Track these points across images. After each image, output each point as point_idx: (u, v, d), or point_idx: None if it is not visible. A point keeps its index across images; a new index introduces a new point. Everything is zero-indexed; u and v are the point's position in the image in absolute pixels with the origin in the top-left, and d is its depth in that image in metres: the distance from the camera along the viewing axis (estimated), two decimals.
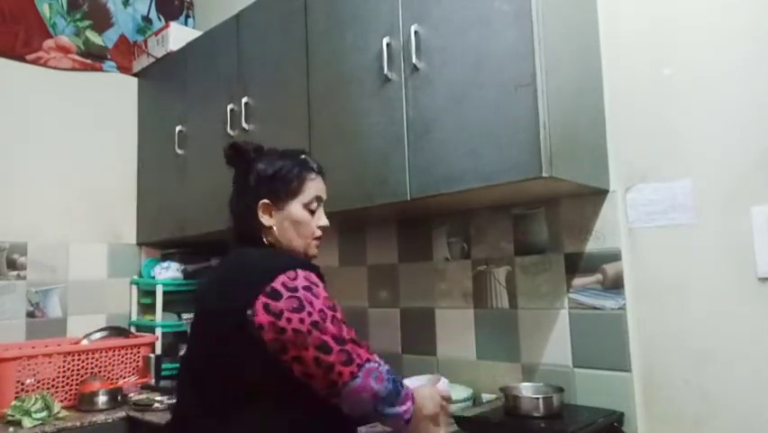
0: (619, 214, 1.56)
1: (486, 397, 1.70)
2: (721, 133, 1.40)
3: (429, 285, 1.97)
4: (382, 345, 2.10)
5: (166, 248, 2.76)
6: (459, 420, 1.47)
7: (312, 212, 1.25)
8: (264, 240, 1.20)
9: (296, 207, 1.22)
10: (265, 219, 1.20)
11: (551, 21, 1.38)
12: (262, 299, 1.03)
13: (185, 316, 2.60)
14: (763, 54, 1.35)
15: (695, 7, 1.47)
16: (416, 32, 1.57)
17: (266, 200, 1.20)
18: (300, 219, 1.22)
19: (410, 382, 1.51)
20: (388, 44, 1.63)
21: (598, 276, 1.57)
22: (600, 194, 1.58)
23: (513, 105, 1.36)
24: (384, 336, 2.09)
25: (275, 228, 1.20)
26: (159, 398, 2.01)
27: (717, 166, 1.40)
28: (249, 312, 1.02)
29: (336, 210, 1.78)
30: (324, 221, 1.30)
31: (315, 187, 1.26)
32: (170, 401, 1.96)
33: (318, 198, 1.27)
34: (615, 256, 1.55)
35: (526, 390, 1.55)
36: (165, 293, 2.56)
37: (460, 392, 1.67)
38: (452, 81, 1.49)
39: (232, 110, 2.20)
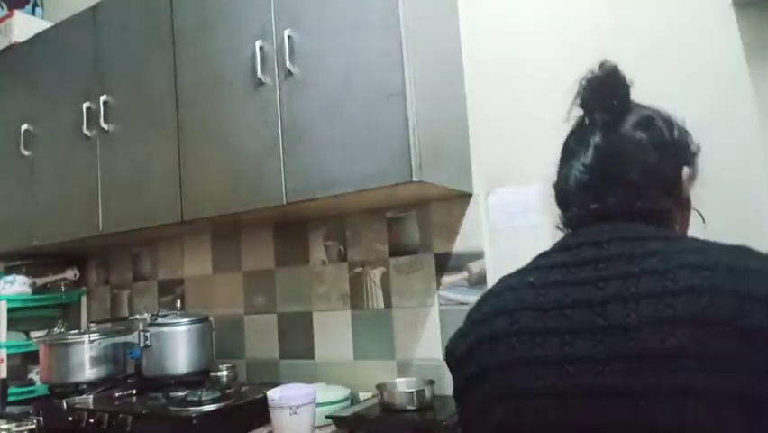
0: (482, 215, 1.69)
1: (363, 396, 1.75)
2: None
3: (306, 289, 1.98)
4: (259, 352, 2.07)
5: (10, 260, 2.48)
6: (336, 420, 1.50)
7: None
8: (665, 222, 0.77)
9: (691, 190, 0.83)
10: (686, 194, 0.81)
11: (418, 32, 1.47)
12: None
13: (34, 334, 2.35)
14: None
15: (546, 28, 1.64)
16: (289, 37, 1.57)
17: (688, 169, 0.81)
18: (690, 207, 0.84)
19: (287, 390, 1.51)
20: (261, 47, 1.62)
21: (465, 273, 1.69)
22: (465, 197, 1.70)
23: (384, 113, 1.42)
24: (261, 343, 2.06)
25: (679, 211, 0.80)
26: (5, 426, 1.80)
27: None
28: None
29: (210, 215, 1.74)
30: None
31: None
32: (18, 430, 1.76)
33: None
34: (479, 255, 1.67)
35: (400, 385, 1.62)
36: (10, 310, 2.30)
37: (338, 393, 1.70)
38: (326, 87, 1.52)
39: (88, 108, 2.04)
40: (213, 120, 1.73)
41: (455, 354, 0.78)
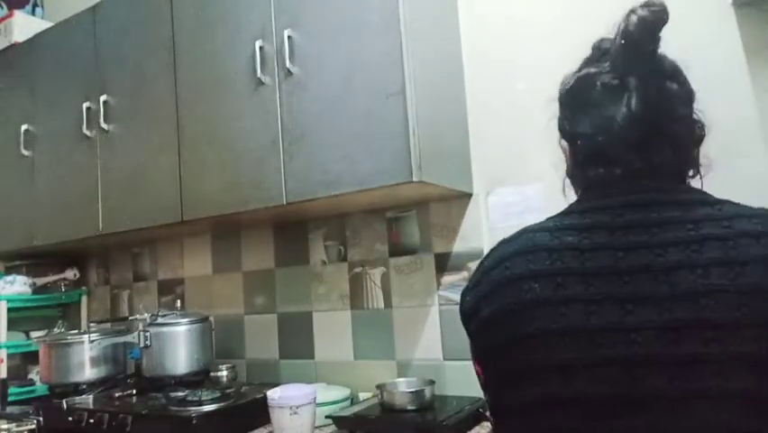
0: (482, 215, 1.68)
1: (363, 396, 1.75)
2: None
3: (306, 289, 1.98)
4: (259, 352, 2.07)
5: (10, 260, 2.48)
6: (336, 420, 1.50)
7: None
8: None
9: None
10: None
11: (418, 32, 1.47)
12: None
13: (34, 334, 2.35)
14: None
15: (546, 28, 1.64)
16: (289, 37, 1.57)
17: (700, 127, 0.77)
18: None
19: (287, 390, 1.51)
20: (261, 47, 1.62)
21: (465, 273, 1.68)
22: (465, 197, 1.70)
23: (384, 113, 1.42)
24: (261, 343, 2.06)
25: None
26: (5, 426, 1.80)
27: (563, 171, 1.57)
28: None
29: (210, 215, 1.74)
30: None
31: None
32: (18, 430, 1.76)
33: None
34: (479, 255, 1.67)
35: (400, 385, 1.62)
36: (10, 310, 2.30)
37: (338, 393, 1.70)
38: (326, 87, 1.52)
39: (88, 108, 2.04)
40: (213, 120, 1.73)
41: (479, 315, 0.71)
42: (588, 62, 0.77)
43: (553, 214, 0.74)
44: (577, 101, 0.75)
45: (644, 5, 0.70)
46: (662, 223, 0.64)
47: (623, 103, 0.69)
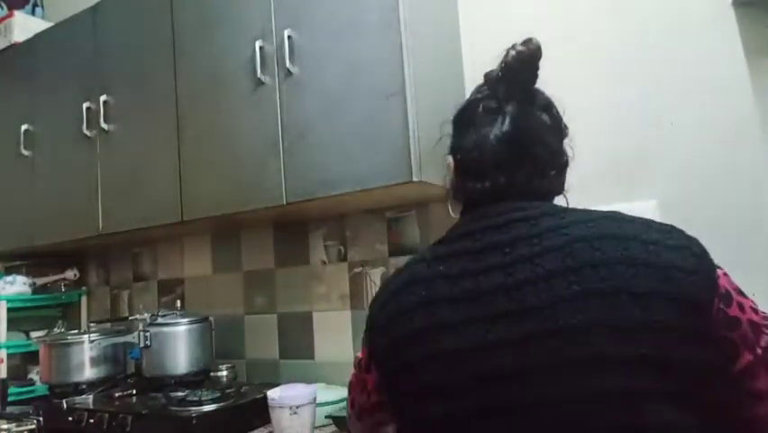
0: None
1: None
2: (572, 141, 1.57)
3: (307, 289, 1.98)
4: (259, 352, 2.07)
5: (10, 260, 2.48)
6: (336, 420, 1.50)
7: None
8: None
9: None
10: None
11: (418, 32, 1.46)
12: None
13: (34, 334, 2.35)
14: (616, 68, 1.53)
15: (546, 28, 1.63)
16: (289, 37, 1.57)
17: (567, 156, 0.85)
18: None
19: (287, 390, 1.51)
20: (261, 47, 1.62)
21: None
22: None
23: (384, 113, 1.42)
24: (261, 343, 2.06)
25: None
26: (5, 426, 1.80)
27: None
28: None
29: (210, 215, 1.74)
30: None
31: None
32: (18, 430, 1.76)
33: None
34: None
35: None
36: (10, 310, 2.30)
37: (338, 393, 1.70)
38: (326, 87, 1.52)
39: (88, 108, 2.04)
40: (213, 120, 1.73)
41: (380, 344, 0.79)
42: (477, 89, 0.86)
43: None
44: (463, 121, 0.84)
45: (522, 43, 0.78)
46: (513, 242, 0.70)
47: (497, 124, 0.78)
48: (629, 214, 0.70)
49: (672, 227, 0.69)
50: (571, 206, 0.77)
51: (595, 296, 0.62)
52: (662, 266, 0.63)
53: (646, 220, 0.69)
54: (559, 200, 0.82)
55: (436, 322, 0.70)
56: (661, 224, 0.69)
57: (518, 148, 0.77)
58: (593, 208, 0.72)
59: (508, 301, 0.66)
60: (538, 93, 0.83)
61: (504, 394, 0.64)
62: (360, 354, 0.88)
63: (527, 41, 0.78)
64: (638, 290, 0.62)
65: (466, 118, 0.83)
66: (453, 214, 0.84)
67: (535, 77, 0.80)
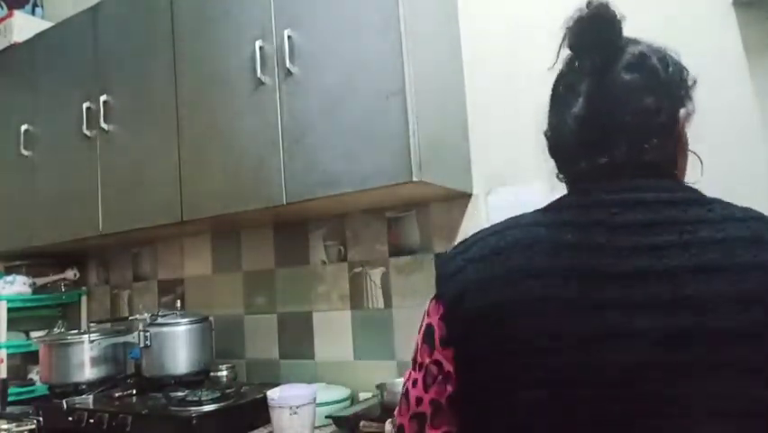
0: (482, 215, 1.68)
1: (363, 396, 1.75)
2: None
3: (306, 289, 1.98)
4: (259, 352, 2.07)
5: (10, 260, 2.48)
6: (336, 420, 1.50)
7: None
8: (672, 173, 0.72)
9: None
10: (685, 138, 0.74)
11: (418, 32, 1.47)
12: None
13: (34, 334, 2.35)
14: None
15: (546, 28, 1.64)
16: (289, 37, 1.57)
17: (686, 108, 0.73)
18: (687, 150, 0.77)
19: (287, 390, 1.51)
20: (261, 47, 1.62)
21: None
22: (465, 197, 1.70)
23: (384, 113, 1.42)
24: (261, 343, 2.06)
25: (680, 156, 0.74)
26: (5, 426, 1.80)
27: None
28: None
29: (210, 215, 1.74)
30: None
31: None
32: (18, 430, 1.76)
33: None
34: None
35: (400, 385, 1.62)
36: (10, 310, 2.30)
37: (338, 393, 1.70)
38: (326, 87, 1.52)
39: (88, 108, 2.04)
40: (213, 120, 1.73)
41: (467, 307, 0.66)
42: (566, 60, 0.76)
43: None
44: (551, 100, 0.77)
45: (587, 4, 0.70)
46: (659, 223, 0.62)
47: (575, 103, 0.70)
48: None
49: None
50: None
51: (761, 301, 0.56)
52: None
53: None
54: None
55: (565, 295, 0.60)
56: None
57: (599, 126, 0.68)
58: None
59: (659, 288, 0.58)
60: (627, 47, 0.72)
61: (643, 390, 0.57)
62: (430, 321, 0.73)
63: (589, 2, 0.69)
64: None
65: (552, 98, 0.76)
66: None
67: (609, 38, 0.70)
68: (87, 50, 2.09)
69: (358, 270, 1.88)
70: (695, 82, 0.75)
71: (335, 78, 1.50)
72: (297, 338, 1.99)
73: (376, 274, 1.85)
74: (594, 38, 0.70)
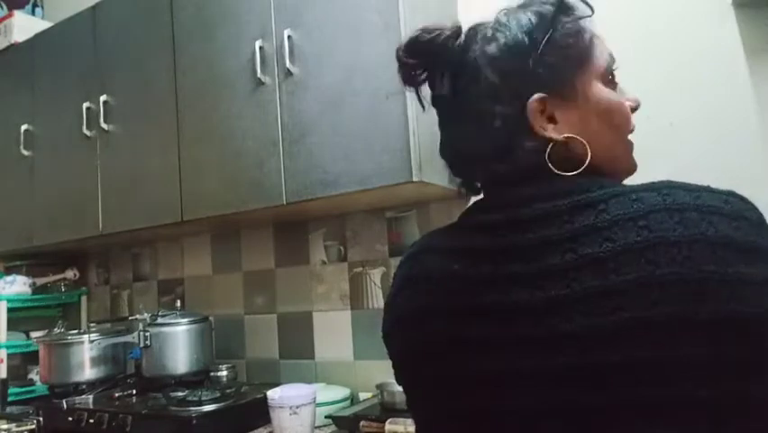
0: None
1: (363, 396, 1.75)
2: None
3: (306, 289, 1.98)
4: (259, 352, 2.07)
5: (10, 260, 2.48)
6: (336, 420, 1.50)
7: (614, 85, 0.66)
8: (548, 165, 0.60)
9: (595, 86, 0.63)
10: (547, 129, 0.60)
11: None
12: None
13: (34, 334, 2.35)
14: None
15: None
16: (289, 37, 1.57)
17: (540, 95, 0.60)
18: (609, 103, 0.63)
19: (287, 390, 1.51)
20: (260, 47, 1.62)
21: None
22: (465, 197, 1.69)
23: (384, 113, 1.42)
24: (261, 343, 2.06)
25: (574, 135, 0.60)
26: (5, 426, 1.80)
27: None
28: None
29: (210, 215, 1.74)
30: (634, 96, 0.69)
31: (601, 43, 0.67)
32: (18, 430, 1.76)
33: (612, 60, 0.67)
34: None
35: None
36: (10, 310, 2.30)
37: (338, 393, 1.70)
38: (326, 87, 1.52)
39: (88, 108, 2.04)
40: (213, 120, 1.73)
41: (391, 349, 0.68)
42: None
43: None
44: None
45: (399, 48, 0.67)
46: (539, 246, 0.55)
47: (441, 129, 0.70)
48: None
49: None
50: None
51: (647, 328, 0.49)
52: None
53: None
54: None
55: (457, 336, 0.57)
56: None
57: (455, 152, 0.67)
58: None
59: (535, 324, 0.53)
60: (464, 63, 0.64)
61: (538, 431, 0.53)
62: None
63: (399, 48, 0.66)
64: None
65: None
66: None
67: (438, 61, 0.65)
68: (87, 50, 2.09)
69: (358, 270, 1.88)
70: (592, 37, 0.66)
71: (335, 77, 1.50)
72: (297, 338, 1.99)
73: (376, 274, 1.85)
74: (427, 62, 0.65)
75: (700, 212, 0.52)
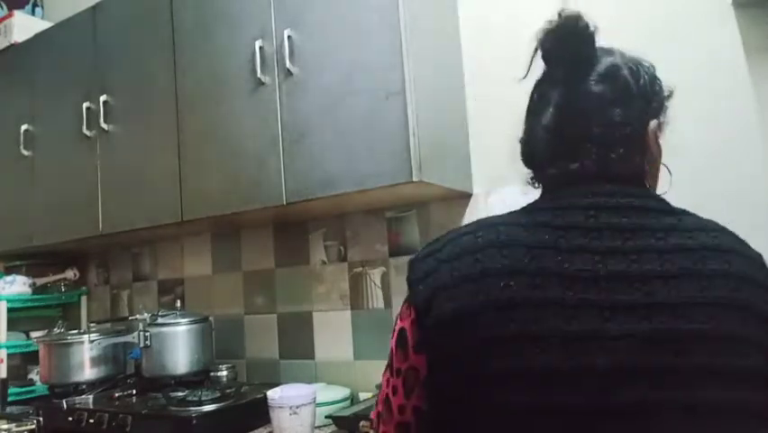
0: (482, 215, 1.67)
1: (363, 396, 1.75)
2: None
3: (306, 289, 1.98)
4: (259, 352, 2.07)
5: (10, 260, 2.48)
6: (336, 420, 1.50)
7: None
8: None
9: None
10: (655, 149, 0.74)
11: (418, 33, 1.47)
12: None
13: (34, 334, 2.35)
14: None
15: None
16: (289, 37, 1.57)
17: (657, 120, 0.75)
18: (660, 161, 0.77)
19: (287, 390, 1.51)
20: (260, 47, 1.62)
21: None
22: (465, 197, 1.70)
23: (384, 113, 1.42)
24: (261, 343, 2.06)
25: (649, 166, 0.74)
26: (5, 426, 1.80)
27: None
28: None
29: (210, 215, 1.74)
30: None
31: None
32: (18, 430, 1.76)
33: None
34: None
35: None
36: (10, 310, 2.30)
37: (338, 393, 1.70)
38: (326, 87, 1.52)
39: (88, 108, 2.04)
40: (213, 120, 1.73)
41: (439, 310, 0.63)
42: (535, 51, 0.76)
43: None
44: (528, 106, 0.78)
45: (559, 14, 0.70)
46: (633, 229, 0.63)
47: (545, 112, 0.72)
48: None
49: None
50: None
51: (729, 307, 0.59)
52: None
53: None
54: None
55: (541, 297, 0.59)
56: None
57: (565, 136, 0.70)
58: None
59: (632, 292, 0.59)
60: (597, 62, 0.71)
61: (621, 395, 0.56)
62: (402, 325, 0.69)
63: (560, 12, 0.69)
64: (765, 313, 0.61)
65: (529, 104, 0.78)
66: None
67: (579, 50, 0.70)
68: (87, 50, 2.09)
69: (358, 270, 1.88)
70: (671, 94, 0.78)
71: (335, 77, 1.50)
72: (297, 338, 1.99)
73: (376, 274, 1.85)
74: (564, 49, 0.70)
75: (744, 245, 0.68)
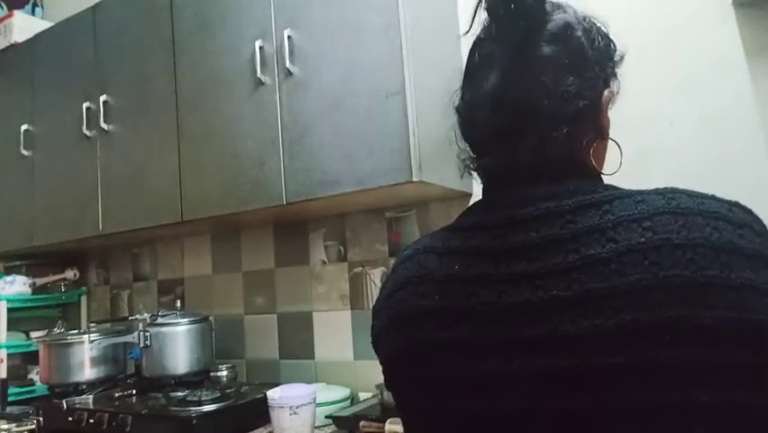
0: None
1: (363, 396, 1.74)
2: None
3: (306, 289, 1.98)
4: (259, 352, 2.07)
5: (10, 260, 2.48)
6: (336, 420, 1.50)
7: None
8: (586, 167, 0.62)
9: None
10: (606, 124, 0.64)
11: (418, 33, 1.47)
12: None
13: (34, 334, 2.35)
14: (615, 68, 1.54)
15: None
16: (289, 37, 1.57)
17: (610, 89, 0.64)
18: (607, 135, 0.65)
19: (287, 390, 1.51)
20: (260, 47, 1.62)
21: None
22: (465, 197, 1.70)
23: (384, 113, 1.42)
24: (261, 343, 2.06)
25: (596, 141, 0.62)
26: (5, 426, 1.80)
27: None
28: None
29: (210, 215, 1.74)
30: None
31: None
32: (18, 430, 1.76)
33: None
34: None
35: None
36: (10, 310, 2.30)
37: (338, 393, 1.70)
38: (326, 87, 1.52)
39: (88, 108, 2.05)
40: (213, 120, 1.73)
41: (380, 352, 0.67)
42: (484, 26, 0.64)
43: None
44: (466, 67, 0.67)
45: None
46: (542, 245, 0.54)
47: (489, 77, 0.61)
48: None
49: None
50: None
51: (643, 331, 0.48)
52: None
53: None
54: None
55: (449, 337, 0.56)
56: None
57: (513, 110, 0.59)
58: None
59: (533, 326, 0.52)
60: (548, 19, 0.60)
61: None
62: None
63: None
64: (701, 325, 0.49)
65: (467, 64, 0.67)
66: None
67: (530, 4, 0.58)
68: (87, 50, 2.09)
69: (358, 270, 1.88)
70: (622, 58, 0.68)
71: (335, 77, 1.50)
72: (296, 338, 1.99)
73: (376, 274, 1.85)
74: (513, 3, 0.58)
75: (705, 217, 0.51)
